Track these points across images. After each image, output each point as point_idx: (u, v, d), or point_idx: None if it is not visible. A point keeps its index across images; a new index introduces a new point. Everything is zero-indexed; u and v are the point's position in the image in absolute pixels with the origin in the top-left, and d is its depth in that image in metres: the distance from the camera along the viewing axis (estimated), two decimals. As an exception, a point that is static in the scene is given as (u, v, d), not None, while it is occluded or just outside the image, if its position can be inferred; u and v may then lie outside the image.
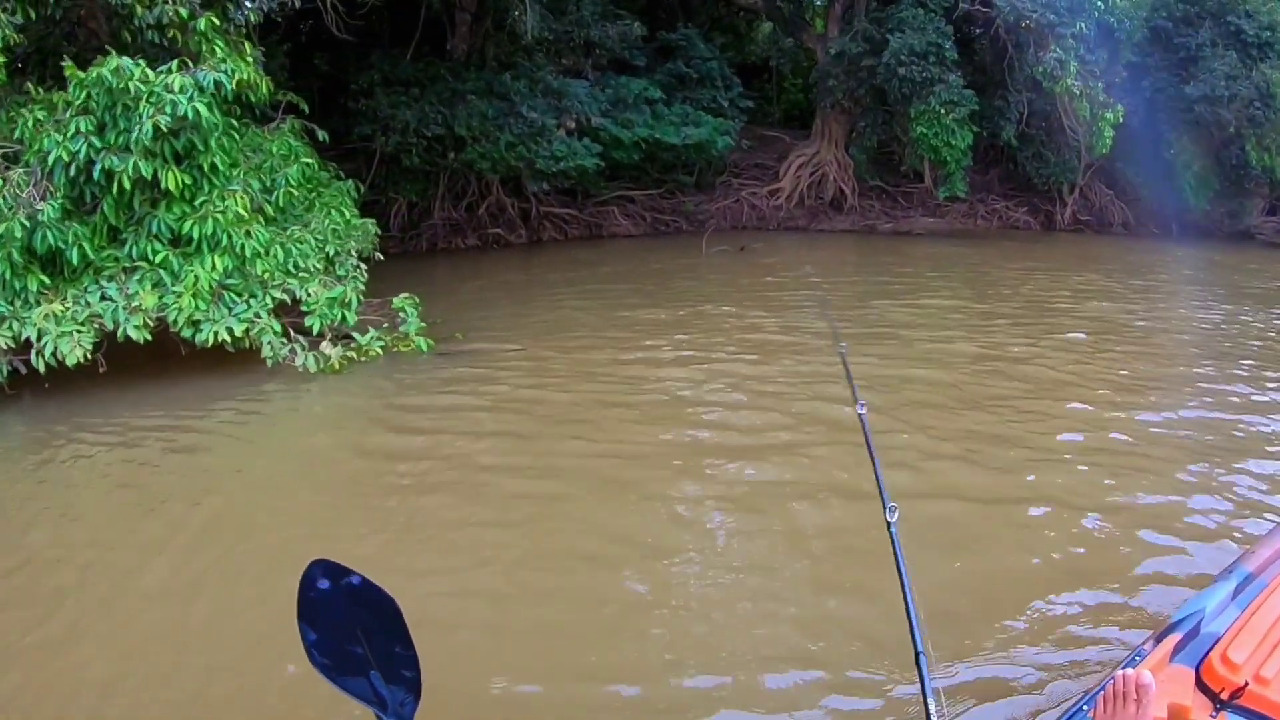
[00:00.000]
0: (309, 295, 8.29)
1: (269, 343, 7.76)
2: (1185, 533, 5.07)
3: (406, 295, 9.42)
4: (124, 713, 3.62)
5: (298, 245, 8.68)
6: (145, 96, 7.45)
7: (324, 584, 2.29)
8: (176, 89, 7.51)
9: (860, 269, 16.41)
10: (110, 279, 7.70)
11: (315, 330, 8.16)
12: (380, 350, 8.42)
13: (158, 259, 7.74)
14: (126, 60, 7.48)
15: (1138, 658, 2.72)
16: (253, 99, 9.40)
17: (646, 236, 20.20)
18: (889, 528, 2.49)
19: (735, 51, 23.39)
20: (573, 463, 6.16)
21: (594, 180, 19.09)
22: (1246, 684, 2.45)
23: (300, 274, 8.42)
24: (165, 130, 7.52)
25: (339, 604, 2.25)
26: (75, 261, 7.63)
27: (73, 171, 7.56)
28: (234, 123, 9.19)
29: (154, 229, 7.80)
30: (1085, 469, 6.03)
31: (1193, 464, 6.14)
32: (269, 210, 8.98)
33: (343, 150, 17.97)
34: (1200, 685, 2.52)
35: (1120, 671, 2.23)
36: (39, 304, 7.39)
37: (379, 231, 11.57)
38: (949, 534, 5.07)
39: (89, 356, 7.27)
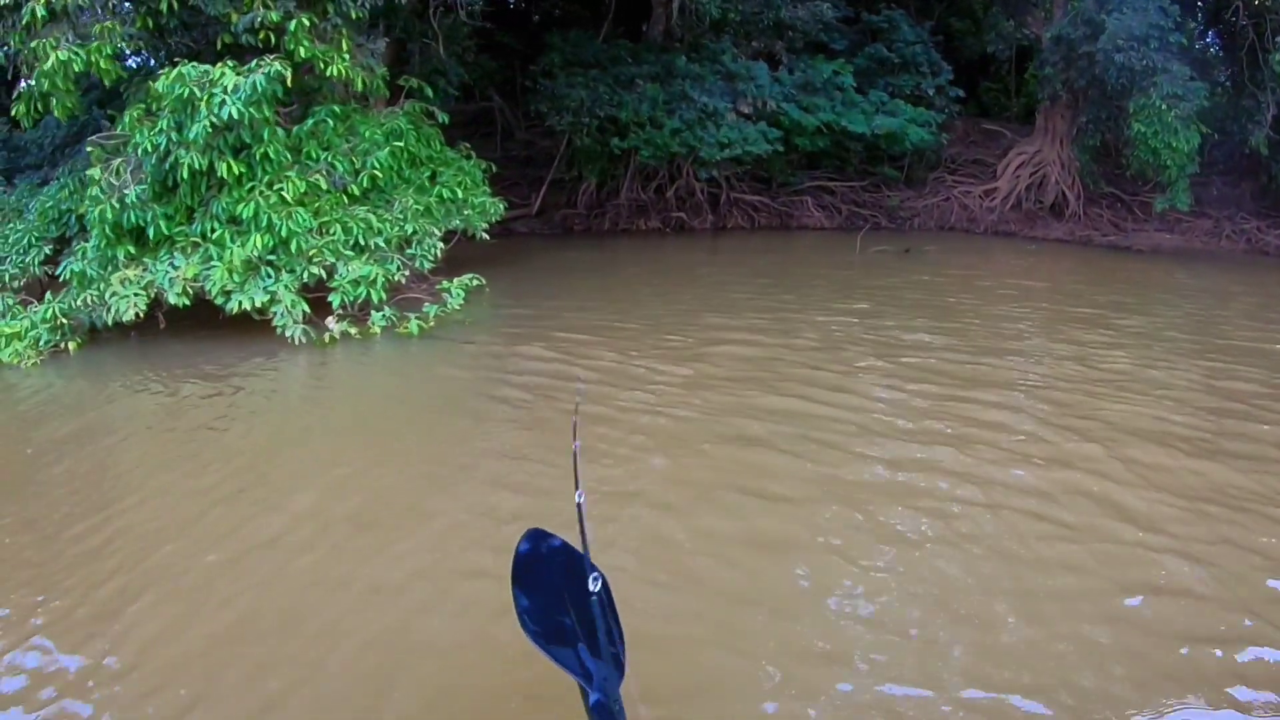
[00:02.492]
0: (349, 271, 9.11)
1: (279, 313, 8.72)
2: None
3: (472, 275, 10.00)
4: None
5: (359, 224, 9.53)
6: (204, 99, 8.55)
7: (536, 552, 2.43)
8: (231, 90, 8.54)
9: (1030, 277, 14.52)
10: (182, 251, 8.98)
11: (336, 305, 8.98)
12: (379, 330, 9.11)
13: (214, 236, 8.91)
14: (188, 68, 8.63)
15: None
16: (362, 88, 10.46)
17: (840, 230, 19.21)
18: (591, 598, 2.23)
19: (973, 38, 21.40)
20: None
21: (778, 167, 18.53)
22: None
23: (346, 253, 9.25)
24: (218, 127, 8.60)
25: (550, 574, 2.35)
26: (154, 236, 9.00)
27: (155, 161, 8.90)
28: (335, 109, 10.24)
29: (215, 210, 9.00)
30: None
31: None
32: (354, 190, 9.95)
33: (546, 128, 18.85)
34: None
35: None
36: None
37: (504, 213, 12.28)
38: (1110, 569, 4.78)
39: (140, 315, 8.61)
